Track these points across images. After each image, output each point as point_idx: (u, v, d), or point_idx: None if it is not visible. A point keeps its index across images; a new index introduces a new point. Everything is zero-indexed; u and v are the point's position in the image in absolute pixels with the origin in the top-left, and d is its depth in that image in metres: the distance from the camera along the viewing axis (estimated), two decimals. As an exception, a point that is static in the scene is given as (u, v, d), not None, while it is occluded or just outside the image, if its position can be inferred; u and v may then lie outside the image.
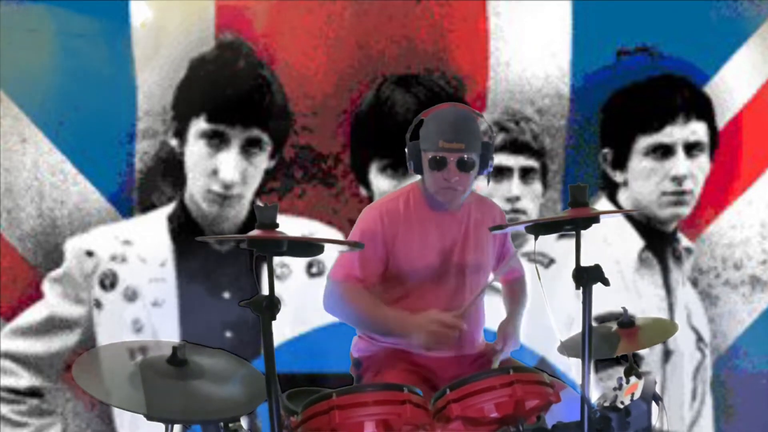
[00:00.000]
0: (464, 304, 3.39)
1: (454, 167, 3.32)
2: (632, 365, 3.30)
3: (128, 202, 5.02)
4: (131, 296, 4.98)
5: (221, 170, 5.01)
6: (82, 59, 4.93)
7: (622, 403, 3.11)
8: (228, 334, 4.98)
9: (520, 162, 5.17)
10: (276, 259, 2.83)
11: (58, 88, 4.92)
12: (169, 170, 5.03)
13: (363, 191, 5.09)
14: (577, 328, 3.06)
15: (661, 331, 3.65)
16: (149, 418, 2.70)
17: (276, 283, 2.80)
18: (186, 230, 5.01)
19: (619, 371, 3.29)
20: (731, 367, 5.32)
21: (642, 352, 5.09)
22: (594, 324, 3.06)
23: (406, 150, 3.42)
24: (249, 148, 5.03)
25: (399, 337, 3.35)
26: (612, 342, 3.48)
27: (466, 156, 3.32)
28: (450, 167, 3.33)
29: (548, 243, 4.99)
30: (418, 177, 3.47)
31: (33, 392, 4.96)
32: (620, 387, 3.21)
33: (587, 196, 3.08)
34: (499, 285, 3.72)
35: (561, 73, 5.19)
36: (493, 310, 3.62)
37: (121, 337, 4.77)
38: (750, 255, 5.34)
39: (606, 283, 2.99)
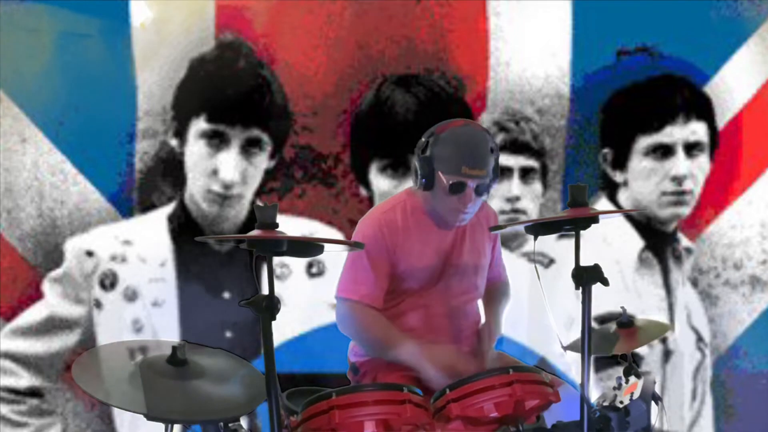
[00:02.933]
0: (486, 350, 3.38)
1: (472, 192, 3.31)
2: (632, 365, 3.30)
3: (128, 202, 5.02)
4: (131, 296, 4.98)
5: (221, 170, 5.01)
6: (82, 59, 4.93)
7: (621, 402, 3.11)
8: (228, 334, 4.98)
9: (520, 162, 5.17)
10: (276, 259, 2.83)
11: (58, 88, 4.92)
12: (169, 170, 5.03)
13: (363, 191, 5.09)
14: (577, 328, 3.06)
15: (658, 330, 3.66)
16: (149, 418, 2.70)
17: (276, 283, 2.80)
18: (186, 230, 5.01)
19: (619, 371, 3.30)
20: (731, 367, 5.32)
21: (642, 352, 5.10)
22: (594, 324, 3.06)
23: (415, 164, 3.36)
24: (249, 148, 5.03)
25: (409, 367, 3.32)
26: (611, 342, 3.48)
27: (485, 181, 3.31)
28: (468, 192, 3.30)
29: (548, 243, 4.99)
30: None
31: (33, 392, 4.96)
32: (620, 387, 3.21)
33: (587, 196, 3.08)
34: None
35: (561, 73, 5.19)
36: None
37: (121, 337, 4.77)
38: (750, 255, 5.34)
39: (606, 283, 2.99)
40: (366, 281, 3.35)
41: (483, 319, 3.57)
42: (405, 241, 3.39)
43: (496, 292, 3.63)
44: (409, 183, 3.61)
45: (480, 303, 3.58)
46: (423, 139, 3.37)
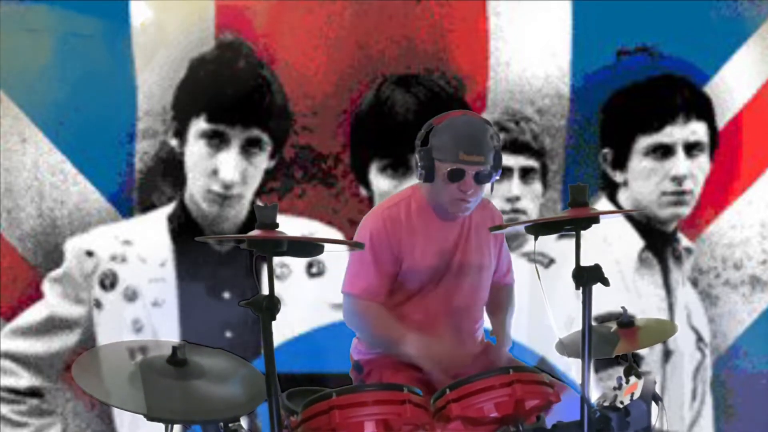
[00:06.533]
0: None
1: (471, 180, 3.29)
2: (632, 365, 3.30)
3: (128, 202, 5.02)
4: (131, 296, 4.98)
5: (221, 170, 5.01)
6: (82, 59, 4.93)
7: (621, 402, 3.11)
8: (228, 334, 4.98)
9: (520, 162, 5.17)
10: (276, 259, 2.83)
11: (58, 88, 4.92)
12: (169, 170, 5.03)
13: (363, 191, 5.09)
14: (577, 328, 3.07)
15: (661, 331, 3.65)
16: (149, 418, 2.70)
17: (276, 283, 2.80)
18: (186, 230, 5.01)
19: (619, 371, 3.30)
20: (731, 367, 5.32)
21: (642, 352, 5.09)
22: (594, 324, 3.06)
23: (416, 156, 3.35)
24: (249, 148, 5.03)
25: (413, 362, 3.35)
26: (611, 342, 3.48)
27: (484, 169, 3.30)
28: (467, 180, 3.29)
29: (548, 243, 4.99)
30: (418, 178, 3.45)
31: (33, 392, 4.96)
32: (620, 387, 3.21)
33: (587, 196, 3.08)
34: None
35: (561, 73, 5.19)
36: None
37: (121, 337, 4.77)
38: (750, 255, 5.34)
39: (606, 283, 2.99)
40: (367, 276, 3.36)
41: (489, 325, 3.57)
42: (408, 238, 3.38)
43: (502, 301, 3.63)
44: (409, 183, 3.61)
45: (484, 307, 3.58)
46: (422, 131, 3.37)
